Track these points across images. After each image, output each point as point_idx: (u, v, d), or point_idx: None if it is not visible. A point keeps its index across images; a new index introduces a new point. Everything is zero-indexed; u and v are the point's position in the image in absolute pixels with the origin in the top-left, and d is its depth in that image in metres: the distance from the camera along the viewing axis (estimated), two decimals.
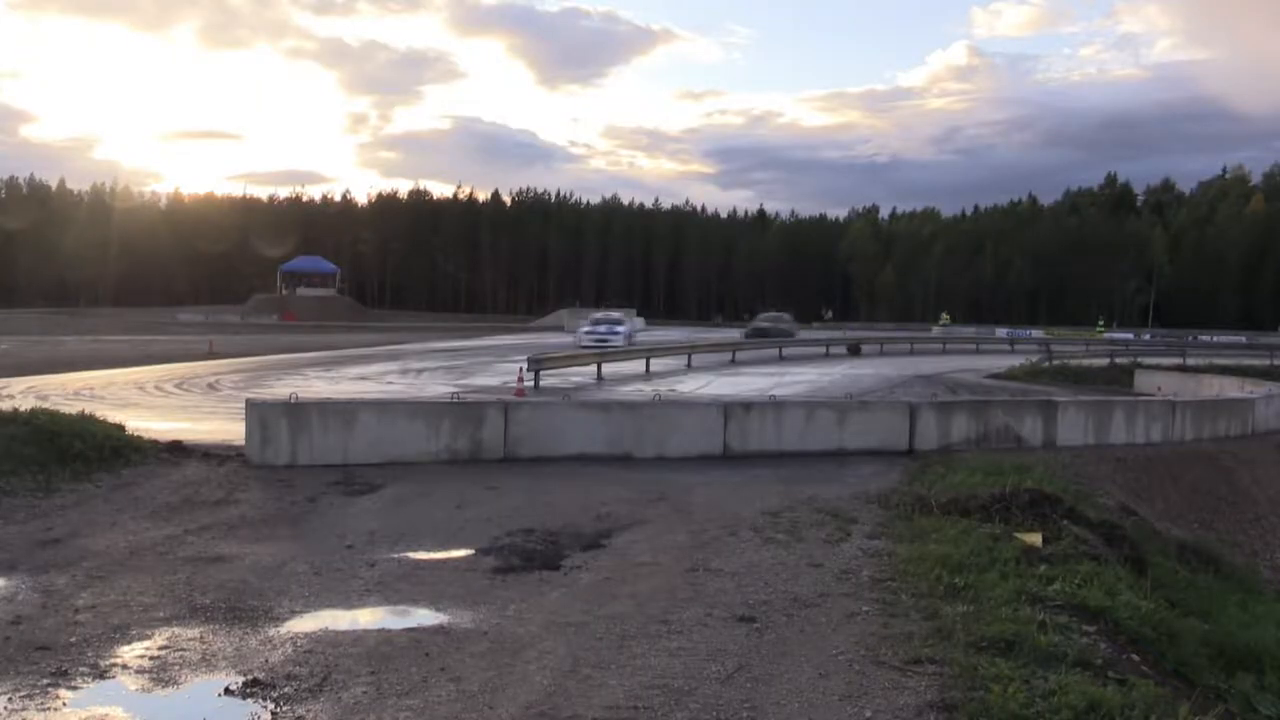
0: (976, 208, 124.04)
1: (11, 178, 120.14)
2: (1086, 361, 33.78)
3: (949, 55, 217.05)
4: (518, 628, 5.42)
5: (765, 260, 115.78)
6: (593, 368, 24.27)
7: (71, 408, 11.64)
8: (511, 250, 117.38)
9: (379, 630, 5.39)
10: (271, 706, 4.31)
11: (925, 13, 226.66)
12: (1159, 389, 24.35)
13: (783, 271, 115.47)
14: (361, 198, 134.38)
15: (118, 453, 9.61)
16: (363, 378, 22.87)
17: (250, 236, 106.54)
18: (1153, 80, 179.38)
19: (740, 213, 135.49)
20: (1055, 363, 33.29)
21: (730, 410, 12.13)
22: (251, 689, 4.49)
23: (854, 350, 38.74)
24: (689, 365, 29.70)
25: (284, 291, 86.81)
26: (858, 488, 9.89)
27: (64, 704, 4.31)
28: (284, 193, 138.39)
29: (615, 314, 39.47)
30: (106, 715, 4.23)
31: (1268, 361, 37.15)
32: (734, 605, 5.91)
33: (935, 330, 62.45)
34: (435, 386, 20.60)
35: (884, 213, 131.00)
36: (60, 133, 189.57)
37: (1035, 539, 7.39)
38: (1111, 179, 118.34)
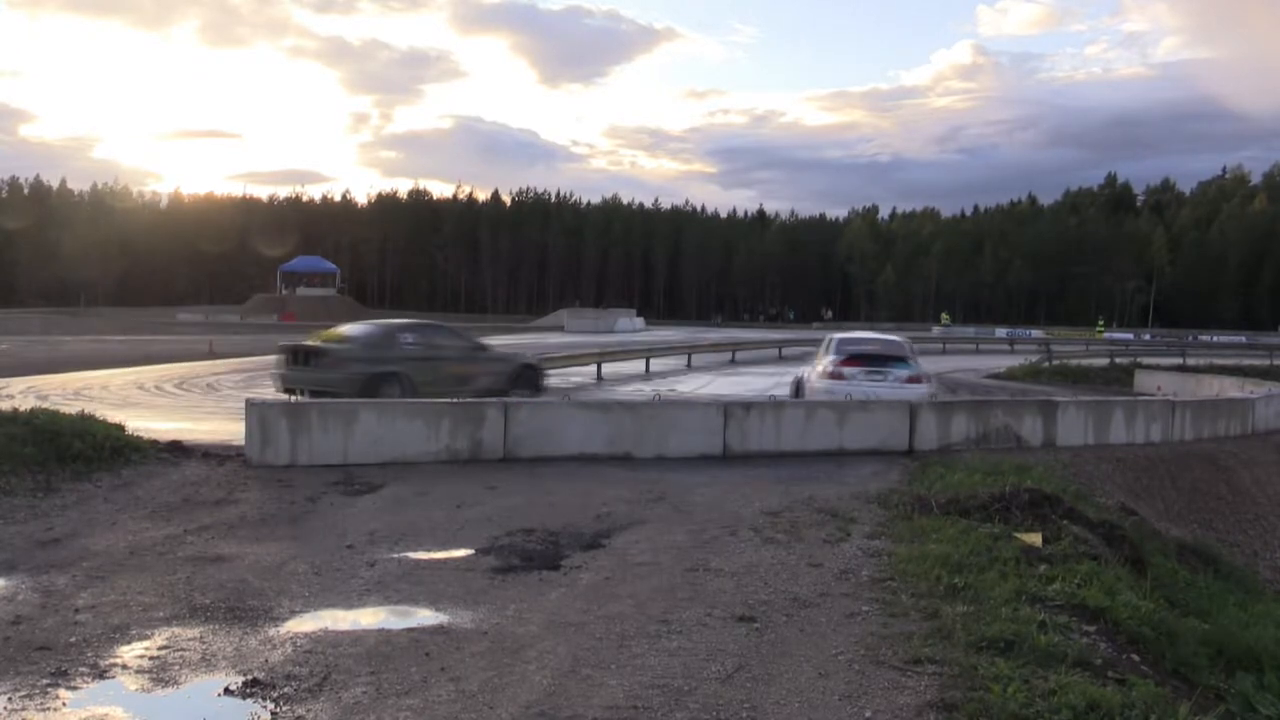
0: (976, 208, 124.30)
1: (12, 178, 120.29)
2: (1086, 361, 33.82)
3: (953, 54, 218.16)
4: (517, 628, 5.42)
5: (765, 260, 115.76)
6: (593, 368, 24.29)
7: (71, 408, 11.64)
8: (511, 250, 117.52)
9: (379, 630, 5.38)
10: (271, 706, 4.31)
11: (930, 12, 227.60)
12: (1159, 389, 24.38)
13: (783, 271, 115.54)
14: (361, 197, 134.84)
15: (118, 452, 9.60)
16: None
17: (250, 236, 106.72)
18: (1158, 79, 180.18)
19: (740, 213, 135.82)
20: (1055, 363, 33.37)
21: (730, 410, 12.13)
22: (251, 689, 4.49)
23: None
24: (689, 365, 29.73)
25: (284, 291, 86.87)
26: (857, 488, 9.89)
27: (64, 704, 4.30)
28: (284, 193, 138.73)
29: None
30: (106, 715, 4.23)
31: (1267, 361, 37.21)
32: (734, 605, 5.91)
33: (935, 330, 62.55)
34: None
35: (884, 213, 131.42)
36: (60, 133, 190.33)
37: (1035, 539, 7.39)
38: (1111, 179, 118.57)
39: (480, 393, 13.58)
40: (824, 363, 15.13)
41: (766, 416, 12.20)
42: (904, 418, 12.87)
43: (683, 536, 7.69)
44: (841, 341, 16.05)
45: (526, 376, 16.12)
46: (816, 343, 40.53)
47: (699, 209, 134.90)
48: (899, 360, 15.25)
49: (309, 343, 15.10)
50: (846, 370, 14.67)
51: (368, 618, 5.65)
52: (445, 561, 6.89)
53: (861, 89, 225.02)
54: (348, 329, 16.06)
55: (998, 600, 5.85)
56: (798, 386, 16.94)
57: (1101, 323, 73.31)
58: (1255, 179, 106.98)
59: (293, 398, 13.23)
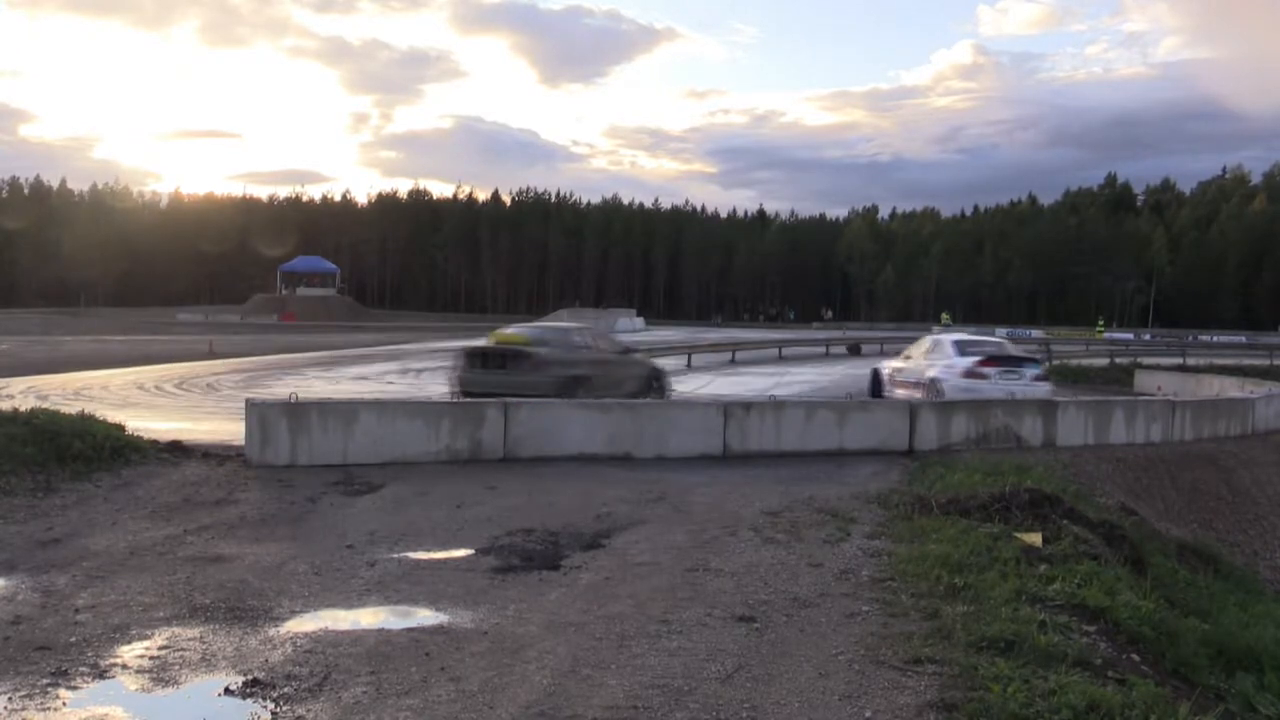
0: (976, 208, 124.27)
1: (12, 178, 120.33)
2: (1086, 361, 33.82)
3: (954, 54, 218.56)
4: (517, 628, 5.42)
5: (765, 260, 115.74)
6: None
7: (71, 408, 11.64)
8: (511, 250, 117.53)
9: (379, 630, 5.38)
10: (271, 706, 4.31)
11: (930, 12, 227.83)
12: (1159, 389, 24.38)
13: (783, 271, 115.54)
14: (361, 198, 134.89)
15: (118, 452, 9.60)
16: (362, 378, 22.89)
17: (250, 236, 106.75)
18: (1158, 79, 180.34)
19: (740, 212, 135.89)
20: (1055, 363, 33.31)
21: (730, 410, 12.13)
22: (251, 689, 4.49)
23: (854, 350, 38.84)
24: (689, 365, 29.72)
25: (284, 291, 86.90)
26: (857, 488, 9.89)
27: (64, 704, 4.30)
28: (284, 193, 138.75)
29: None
30: (106, 715, 4.23)
31: (1268, 361, 37.20)
32: (734, 605, 5.91)
33: (935, 330, 62.56)
34: (435, 386, 20.59)
35: (884, 213, 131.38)
36: (60, 133, 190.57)
37: (1035, 539, 7.39)
38: (1111, 179, 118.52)
39: (626, 395, 13.99)
40: (960, 363, 16.13)
41: (766, 416, 12.20)
42: (904, 418, 12.88)
43: (683, 536, 7.69)
44: (964, 343, 17.30)
45: (657, 380, 16.41)
46: (817, 342, 40.52)
47: (699, 209, 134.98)
48: (1030, 361, 16.95)
49: (498, 345, 15.15)
50: (986, 370, 15.85)
51: (368, 618, 5.65)
52: (445, 561, 6.89)
53: (862, 89, 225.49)
54: (527, 331, 16.31)
55: (998, 600, 5.85)
56: (877, 381, 18.28)
57: (1101, 323, 73.30)
58: (1255, 179, 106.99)
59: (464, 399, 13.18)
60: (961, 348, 16.81)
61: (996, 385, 15.56)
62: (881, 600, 6.02)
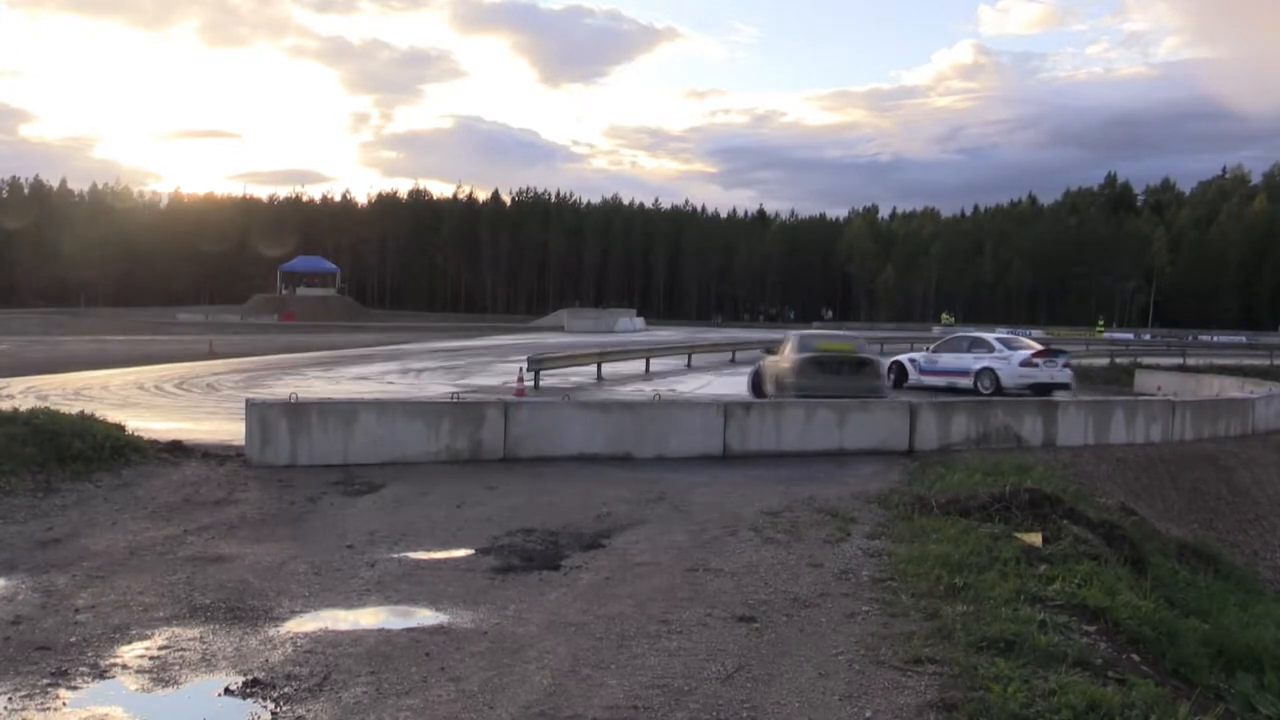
0: (976, 208, 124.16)
1: (12, 178, 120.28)
2: (1086, 361, 33.76)
3: (955, 54, 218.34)
4: (517, 628, 5.42)
5: (765, 260, 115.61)
6: (593, 368, 24.28)
7: (71, 408, 11.64)
8: (511, 250, 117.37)
9: (379, 630, 5.39)
10: (271, 706, 4.31)
11: (931, 11, 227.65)
12: (1159, 389, 24.36)
13: (783, 271, 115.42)
14: (361, 198, 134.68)
15: (118, 452, 9.60)
16: (362, 378, 22.89)
17: (250, 236, 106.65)
18: (1158, 79, 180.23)
19: (740, 213, 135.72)
20: None
21: (730, 410, 12.13)
22: (251, 689, 4.49)
23: None
24: (689, 365, 29.69)
25: (284, 291, 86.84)
26: (857, 488, 9.89)
27: (64, 704, 4.31)
28: (284, 193, 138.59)
29: None
30: (106, 715, 4.23)
31: (1268, 361, 37.18)
32: (734, 605, 5.91)
33: (936, 330, 62.59)
34: (435, 386, 20.62)
35: (884, 212, 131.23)
36: (60, 133, 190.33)
37: (1035, 539, 7.39)
38: (1112, 179, 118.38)
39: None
40: (1017, 354, 19.82)
41: (766, 416, 12.21)
42: (904, 418, 12.88)
43: (683, 536, 7.69)
44: (1008, 340, 21.34)
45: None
46: None
47: (699, 209, 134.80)
48: (1062, 351, 20.81)
49: (842, 354, 16.46)
50: (1037, 360, 19.61)
51: (368, 618, 5.65)
52: (445, 561, 6.89)
53: (862, 89, 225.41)
54: (847, 340, 18.21)
55: (998, 600, 5.85)
56: (900, 371, 21.37)
57: (1101, 323, 73.29)
58: (1255, 179, 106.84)
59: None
60: (1008, 343, 20.63)
61: (1043, 371, 19.34)
62: (881, 600, 6.02)
